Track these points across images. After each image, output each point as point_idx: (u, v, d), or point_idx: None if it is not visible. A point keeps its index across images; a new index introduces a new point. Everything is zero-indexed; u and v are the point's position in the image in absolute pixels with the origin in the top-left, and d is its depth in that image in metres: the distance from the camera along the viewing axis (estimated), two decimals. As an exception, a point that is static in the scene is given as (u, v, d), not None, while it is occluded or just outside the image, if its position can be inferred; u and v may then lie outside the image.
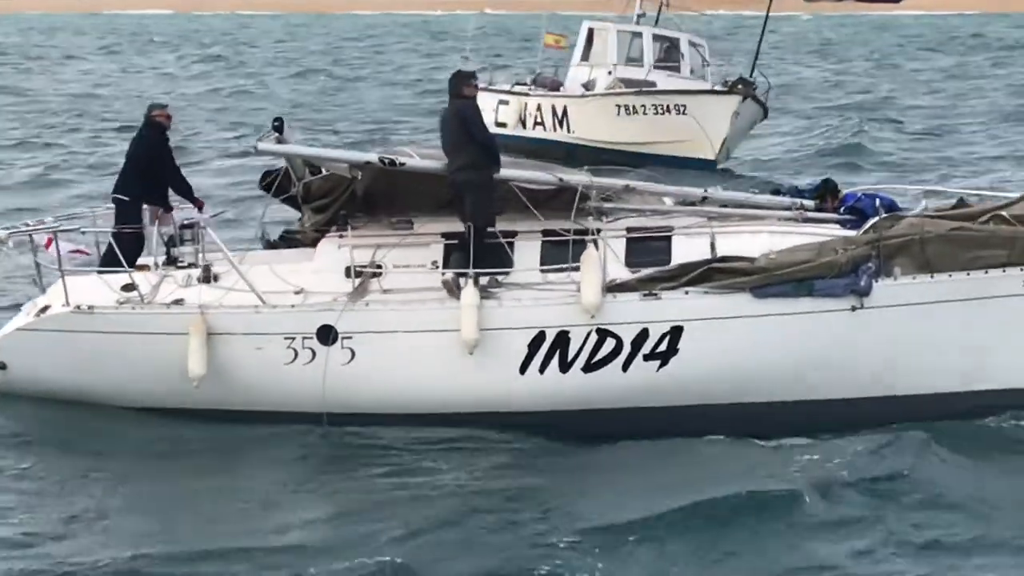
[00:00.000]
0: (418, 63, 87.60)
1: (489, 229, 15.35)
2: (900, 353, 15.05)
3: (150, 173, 17.21)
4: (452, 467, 14.54)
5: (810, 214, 16.22)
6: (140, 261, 16.72)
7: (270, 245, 17.35)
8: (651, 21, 21.97)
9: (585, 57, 17.52)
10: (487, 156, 15.34)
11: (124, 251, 16.44)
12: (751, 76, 21.97)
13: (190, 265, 16.35)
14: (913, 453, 14.15)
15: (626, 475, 14.24)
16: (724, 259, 15.12)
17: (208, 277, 16.02)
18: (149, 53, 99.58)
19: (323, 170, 16.48)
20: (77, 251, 17.14)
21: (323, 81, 71.54)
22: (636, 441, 14.85)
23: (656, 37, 18.18)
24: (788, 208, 16.32)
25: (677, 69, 17.77)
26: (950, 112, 51.76)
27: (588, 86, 21.83)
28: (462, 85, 15.68)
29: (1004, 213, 15.46)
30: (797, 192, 16.83)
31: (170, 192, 17.28)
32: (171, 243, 16.88)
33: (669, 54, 17.98)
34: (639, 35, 18.03)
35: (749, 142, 33.85)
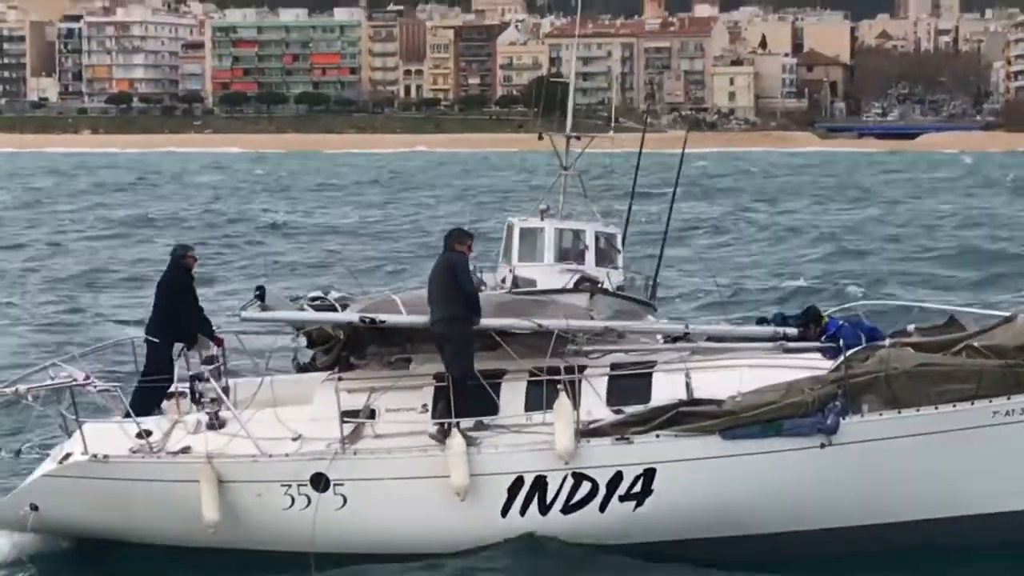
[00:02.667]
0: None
1: (472, 379, 15.98)
2: (872, 486, 15.41)
3: (178, 311, 18.18)
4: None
5: (792, 344, 16.60)
6: (171, 389, 17.73)
7: (301, 368, 18.25)
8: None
9: (506, 254, 18.11)
10: (469, 309, 15.98)
11: (150, 394, 17.54)
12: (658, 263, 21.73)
13: (212, 401, 17.25)
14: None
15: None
16: (694, 402, 15.58)
17: (214, 424, 16.90)
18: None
19: None
20: (105, 390, 18.20)
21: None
22: None
23: (559, 231, 18.69)
24: (770, 338, 16.72)
25: (583, 260, 18.17)
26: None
27: (505, 282, 22.19)
28: (455, 242, 16.46)
29: (975, 343, 15.69)
30: (783, 320, 17.19)
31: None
32: (196, 378, 17.85)
33: (574, 246, 18.57)
34: (542, 230, 18.61)
35: None
